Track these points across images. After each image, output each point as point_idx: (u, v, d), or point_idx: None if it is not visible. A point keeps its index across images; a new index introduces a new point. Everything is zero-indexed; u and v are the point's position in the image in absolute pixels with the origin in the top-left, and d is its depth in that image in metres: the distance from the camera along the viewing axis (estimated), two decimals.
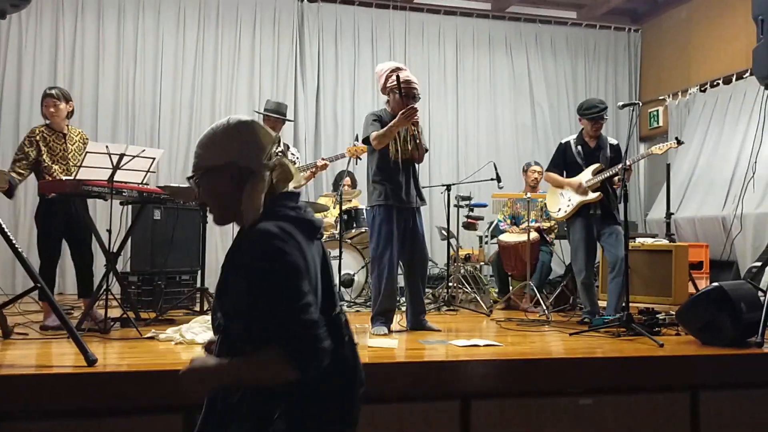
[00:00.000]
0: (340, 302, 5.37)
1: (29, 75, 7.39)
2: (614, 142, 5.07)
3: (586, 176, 4.87)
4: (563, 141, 5.14)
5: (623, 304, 4.12)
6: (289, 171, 1.78)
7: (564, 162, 5.03)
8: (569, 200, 4.89)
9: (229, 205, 1.70)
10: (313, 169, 5.28)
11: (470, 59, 8.82)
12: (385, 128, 4.13)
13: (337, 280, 5.62)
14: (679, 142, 4.75)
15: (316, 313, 1.59)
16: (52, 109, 4.44)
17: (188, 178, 1.79)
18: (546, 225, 6.19)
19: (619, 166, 4.49)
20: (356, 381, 1.77)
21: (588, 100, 5.14)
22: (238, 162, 1.69)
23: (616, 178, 4.70)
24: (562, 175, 5.02)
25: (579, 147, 4.98)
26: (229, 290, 1.64)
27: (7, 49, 7.35)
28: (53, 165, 4.40)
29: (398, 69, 4.27)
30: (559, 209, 4.99)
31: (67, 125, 4.55)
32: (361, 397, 1.79)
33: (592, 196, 4.79)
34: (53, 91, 4.49)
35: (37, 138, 4.39)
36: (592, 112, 4.89)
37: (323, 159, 5.26)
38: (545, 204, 6.29)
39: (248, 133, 1.74)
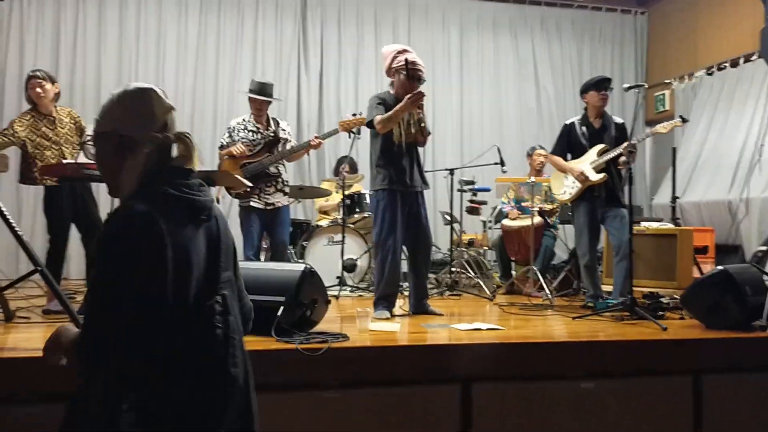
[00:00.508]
0: (343, 287, 5.32)
1: (31, 63, 7.34)
2: (619, 121, 4.95)
3: (591, 157, 4.79)
4: (567, 122, 5.06)
5: (628, 288, 4.10)
6: (191, 147, 1.68)
7: (568, 143, 4.95)
8: (573, 182, 4.82)
9: (110, 175, 1.62)
10: (306, 148, 5.14)
11: (474, 42, 8.75)
12: (390, 112, 4.10)
13: (341, 265, 5.63)
14: (684, 120, 4.67)
15: (126, 307, 1.46)
16: (38, 90, 4.32)
17: (84, 143, 1.74)
18: (548, 207, 6.15)
19: (624, 145, 4.41)
20: (225, 375, 1.60)
21: (590, 78, 5.08)
22: (120, 130, 1.60)
23: (621, 159, 4.56)
24: (566, 158, 4.95)
25: (584, 128, 4.89)
26: None
27: (9, 37, 7.31)
28: (45, 152, 4.34)
29: (405, 51, 4.25)
30: (564, 191, 4.92)
31: (55, 107, 4.45)
32: (237, 392, 1.63)
33: (597, 177, 4.70)
34: (38, 72, 4.37)
35: (29, 123, 4.31)
36: (597, 81, 4.80)
37: (316, 137, 5.10)
38: (549, 188, 6.27)
39: (138, 101, 1.64)
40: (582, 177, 4.73)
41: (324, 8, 8.26)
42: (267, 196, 5.00)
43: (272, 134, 5.08)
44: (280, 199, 5.06)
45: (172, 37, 7.79)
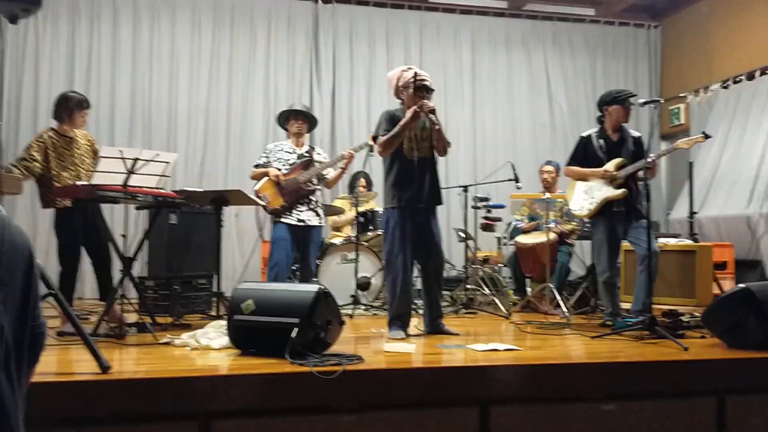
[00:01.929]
0: (357, 305, 5.28)
1: (46, 80, 7.43)
2: (637, 134, 4.83)
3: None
4: (584, 134, 4.93)
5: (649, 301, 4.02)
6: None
7: (585, 156, 4.82)
8: (592, 198, 4.71)
9: None
10: (343, 165, 5.17)
11: (486, 58, 8.73)
12: (393, 130, 4.08)
13: (354, 283, 5.59)
14: (707, 136, 4.53)
15: None
16: (86, 119, 4.51)
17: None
18: (568, 228, 6.08)
19: (643, 161, 4.34)
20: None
21: (609, 90, 4.99)
22: None
23: (640, 173, 4.46)
24: None
25: (601, 141, 4.77)
26: None
27: (24, 54, 7.40)
28: (62, 173, 4.36)
29: (408, 69, 4.25)
30: (581, 207, 4.78)
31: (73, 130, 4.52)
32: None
33: (616, 192, 4.59)
34: (85, 99, 4.52)
35: (47, 144, 4.35)
36: (622, 95, 4.70)
37: (348, 150, 5.16)
38: (564, 204, 6.20)
39: None
40: (608, 175, 4.61)
41: (336, 26, 8.29)
42: (299, 213, 5.05)
43: (306, 153, 5.16)
44: (311, 218, 5.10)
45: (185, 56, 7.85)
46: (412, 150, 4.15)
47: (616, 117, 4.71)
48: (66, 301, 3.03)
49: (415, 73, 4.12)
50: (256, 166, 5.24)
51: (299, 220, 5.05)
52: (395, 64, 7.77)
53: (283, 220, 5.04)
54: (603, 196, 4.64)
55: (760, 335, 3.49)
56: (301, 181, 5.07)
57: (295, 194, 5.05)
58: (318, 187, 5.22)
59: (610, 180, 4.61)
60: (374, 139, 4.26)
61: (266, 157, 5.21)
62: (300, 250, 5.11)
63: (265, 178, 5.09)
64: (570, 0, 8.91)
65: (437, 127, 4.14)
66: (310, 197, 5.13)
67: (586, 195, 4.76)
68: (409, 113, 4.03)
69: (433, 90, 4.23)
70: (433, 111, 4.08)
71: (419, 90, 4.11)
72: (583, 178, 4.79)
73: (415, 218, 4.16)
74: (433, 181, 4.25)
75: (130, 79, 7.68)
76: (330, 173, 5.26)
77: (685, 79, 8.64)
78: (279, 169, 5.09)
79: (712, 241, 6.47)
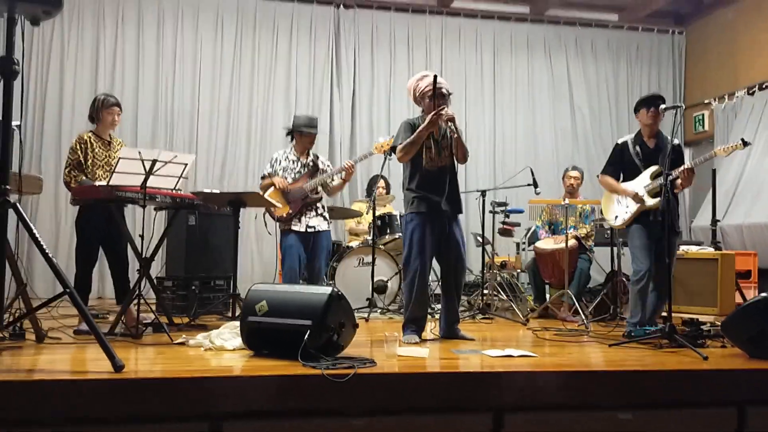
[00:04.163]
0: (373, 309, 5.23)
1: (71, 82, 7.55)
2: (676, 142, 4.58)
3: (644, 180, 4.53)
4: (620, 141, 4.76)
5: (664, 315, 3.93)
6: None
7: (621, 163, 4.67)
8: (627, 207, 4.56)
9: None
10: (343, 176, 5.22)
11: (508, 64, 8.70)
12: (412, 136, 4.07)
13: (371, 287, 5.58)
14: (746, 144, 4.34)
15: None
16: (117, 117, 4.56)
17: None
18: (583, 232, 6.01)
19: (679, 169, 4.23)
20: None
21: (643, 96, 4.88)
22: None
23: (678, 182, 4.30)
24: (618, 178, 4.68)
25: (637, 147, 4.61)
26: None
27: (50, 57, 7.52)
28: (96, 170, 4.44)
29: (425, 76, 4.23)
30: (616, 216, 4.64)
31: (110, 134, 4.62)
32: None
33: (652, 202, 4.42)
34: (118, 101, 4.60)
35: (86, 144, 4.44)
36: (647, 98, 4.58)
37: (348, 161, 5.22)
38: (583, 209, 6.13)
39: None
40: (638, 198, 4.48)
41: (357, 30, 8.31)
42: (307, 220, 5.14)
43: (311, 162, 5.26)
44: (320, 223, 5.20)
45: (208, 59, 7.92)
46: (431, 160, 4.14)
47: (644, 121, 4.58)
48: (81, 300, 3.05)
49: (433, 79, 4.10)
50: (263, 177, 5.33)
51: (308, 227, 5.15)
52: (416, 69, 7.77)
53: (293, 228, 5.12)
54: (638, 205, 4.50)
55: None
56: (307, 189, 5.14)
57: (301, 202, 5.13)
58: (322, 196, 5.30)
59: (646, 191, 4.49)
60: (392, 149, 4.28)
61: (272, 167, 5.29)
62: (309, 254, 5.17)
63: (272, 188, 5.17)
64: (593, 5, 8.85)
65: (456, 135, 4.13)
66: (317, 204, 5.22)
67: (620, 204, 4.63)
68: (427, 122, 4.02)
69: (451, 93, 4.21)
70: (452, 119, 4.06)
71: (437, 97, 4.09)
72: (615, 192, 4.66)
73: (435, 224, 4.14)
74: (453, 189, 4.22)
75: (153, 82, 7.78)
76: (336, 180, 5.31)
77: (710, 86, 8.52)
78: (285, 178, 5.18)
79: (736, 250, 6.35)
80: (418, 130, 4.06)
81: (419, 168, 4.17)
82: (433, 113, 4.00)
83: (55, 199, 7.29)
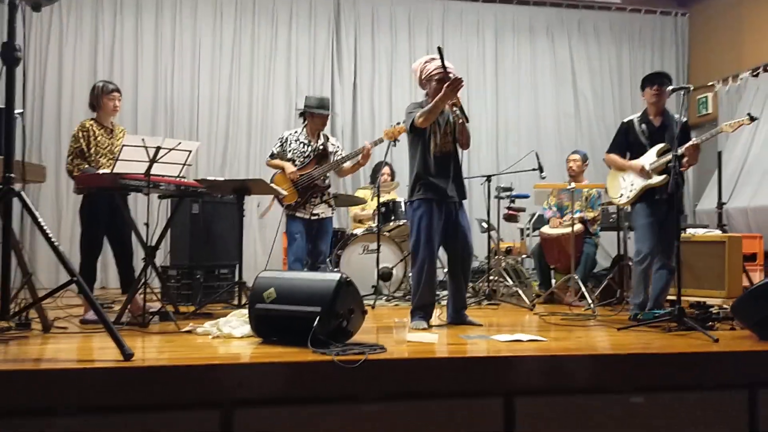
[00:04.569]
0: (379, 296, 5.20)
1: (69, 71, 7.50)
2: (683, 119, 4.44)
3: (650, 157, 4.49)
4: (626, 120, 4.74)
5: (672, 298, 3.90)
6: None
7: (626, 142, 4.64)
8: (632, 184, 4.53)
9: None
10: (360, 159, 5.18)
11: (510, 47, 8.64)
12: (429, 105, 4.01)
13: (376, 274, 5.56)
14: (752, 119, 4.30)
15: None
16: (117, 103, 4.52)
17: None
18: (590, 215, 5.98)
19: (685, 145, 4.19)
20: None
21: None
22: None
23: (684, 159, 4.25)
24: (624, 157, 4.65)
25: (643, 125, 4.58)
26: None
27: (48, 45, 7.47)
28: (100, 158, 4.41)
29: (432, 59, 4.17)
30: (621, 194, 4.61)
31: (112, 121, 4.58)
32: None
33: (657, 179, 4.39)
34: (117, 86, 4.55)
35: (88, 132, 4.40)
36: (650, 76, 4.57)
37: (367, 143, 5.18)
38: (591, 194, 6.09)
39: None
40: (645, 172, 4.45)
41: (357, 16, 8.24)
42: (313, 207, 5.13)
43: (321, 146, 5.19)
44: (324, 210, 5.19)
45: (207, 46, 7.87)
46: (436, 145, 4.11)
47: (648, 99, 4.55)
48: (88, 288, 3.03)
49: (440, 66, 4.04)
50: (271, 155, 5.28)
51: (313, 215, 5.13)
52: (417, 53, 7.71)
53: (297, 215, 5.11)
54: (643, 183, 4.47)
55: None
56: (315, 176, 5.11)
57: (309, 190, 5.10)
58: (329, 183, 5.26)
59: (651, 170, 4.45)
60: (410, 129, 4.17)
61: (280, 146, 5.23)
62: (312, 240, 5.17)
63: (279, 172, 5.14)
64: None
65: (461, 121, 4.08)
66: (325, 191, 5.20)
67: (624, 181, 4.59)
68: (444, 91, 3.90)
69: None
70: (458, 105, 4.02)
71: (442, 82, 4.03)
72: (621, 169, 4.63)
73: (442, 210, 4.12)
74: (458, 175, 4.21)
75: (152, 70, 7.72)
76: (348, 163, 5.26)
77: (714, 68, 8.47)
78: (294, 161, 5.13)
79: (741, 233, 6.33)
80: (435, 100, 3.97)
81: (425, 154, 4.13)
82: (447, 84, 3.93)
83: (56, 187, 7.27)
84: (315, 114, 5.17)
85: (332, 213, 5.29)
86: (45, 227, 2.91)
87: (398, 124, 4.93)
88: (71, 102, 7.40)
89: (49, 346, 3.26)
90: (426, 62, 4.20)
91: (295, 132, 5.29)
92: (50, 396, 2.53)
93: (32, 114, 7.33)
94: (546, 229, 6.02)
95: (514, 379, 2.95)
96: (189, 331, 3.68)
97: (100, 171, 4.23)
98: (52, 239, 2.90)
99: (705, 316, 4.09)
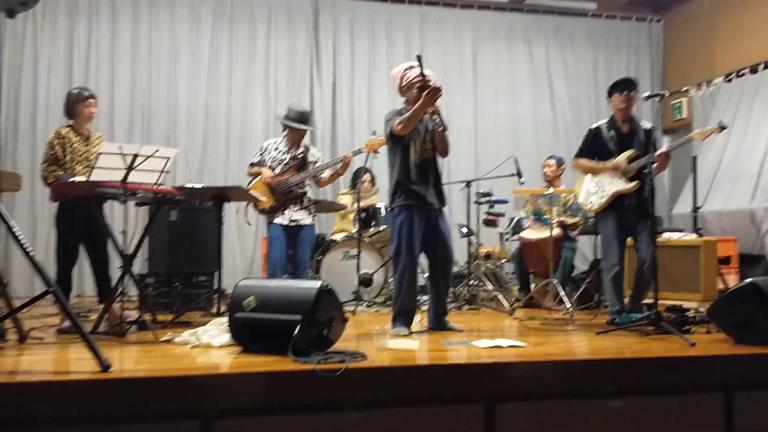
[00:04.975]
0: (359, 302, 5.20)
1: (45, 77, 7.40)
2: (648, 125, 4.63)
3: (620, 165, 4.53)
4: (593, 126, 4.76)
5: (649, 302, 3.96)
6: None
7: (594, 148, 4.67)
8: (602, 191, 4.56)
9: None
10: (339, 168, 5.20)
11: (488, 53, 8.69)
12: (409, 112, 4.01)
13: (357, 280, 5.56)
14: (722, 127, 4.36)
15: None
16: (93, 110, 4.48)
17: None
18: (570, 221, 6.02)
19: (656, 153, 4.24)
20: None
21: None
22: None
23: (654, 166, 4.28)
24: None
25: (611, 132, 4.60)
26: None
27: (23, 51, 7.36)
28: (76, 166, 4.36)
29: (412, 67, 4.18)
30: (591, 201, 4.64)
31: (88, 128, 4.52)
32: None
33: (628, 185, 4.44)
34: (92, 92, 4.51)
35: (63, 139, 4.35)
36: (619, 82, 4.59)
37: (348, 154, 5.21)
38: (569, 200, 6.14)
39: None
40: (619, 169, 4.46)
41: (336, 20, 8.24)
42: (291, 213, 5.15)
43: (300, 155, 5.23)
44: (304, 217, 5.21)
45: (185, 51, 7.81)
46: (416, 153, 4.12)
47: (617, 105, 4.58)
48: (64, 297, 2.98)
49: (420, 74, 4.04)
50: (251, 164, 5.32)
51: (291, 220, 5.15)
52: (396, 58, 7.74)
53: (276, 221, 5.13)
54: (614, 189, 4.49)
55: None
56: (292, 183, 5.13)
57: (285, 195, 5.12)
58: (307, 189, 5.29)
59: (622, 173, 4.50)
60: (389, 137, 4.16)
61: (261, 155, 5.29)
62: (293, 248, 5.19)
63: (258, 178, 5.17)
64: None
65: (440, 129, 4.10)
66: (303, 198, 5.21)
67: (596, 188, 4.61)
68: (423, 99, 3.90)
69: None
70: (437, 112, 4.03)
71: (423, 89, 4.04)
72: (593, 171, 4.65)
73: (422, 217, 4.12)
74: (437, 182, 4.23)
75: (129, 76, 7.65)
76: (326, 173, 5.29)
77: (688, 73, 8.59)
78: (273, 168, 5.17)
79: (716, 236, 6.43)
80: (413, 108, 3.97)
81: (406, 161, 4.14)
82: (427, 91, 3.93)
83: (31, 195, 7.15)
84: (293, 128, 5.21)
85: (312, 220, 5.29)
86: (20, 236, 2.86)
87: (379, 136, 4.93)
88: (46, 109, 7.30)
89: (25, 357, 3.21)
90: (406, 70, 4.20)
91: (275, 141, 5.34)
92: (26, 408, 2.48)
93: (7, 121, 7.21)
94: (525, 234, 6.06)
95: (495, 386, 2.96)
96: (167, 341, 3.64)
97: (76, 178, 4.17)
98: (28, 249, 2.86)
99: (681, 320, 4.14)
